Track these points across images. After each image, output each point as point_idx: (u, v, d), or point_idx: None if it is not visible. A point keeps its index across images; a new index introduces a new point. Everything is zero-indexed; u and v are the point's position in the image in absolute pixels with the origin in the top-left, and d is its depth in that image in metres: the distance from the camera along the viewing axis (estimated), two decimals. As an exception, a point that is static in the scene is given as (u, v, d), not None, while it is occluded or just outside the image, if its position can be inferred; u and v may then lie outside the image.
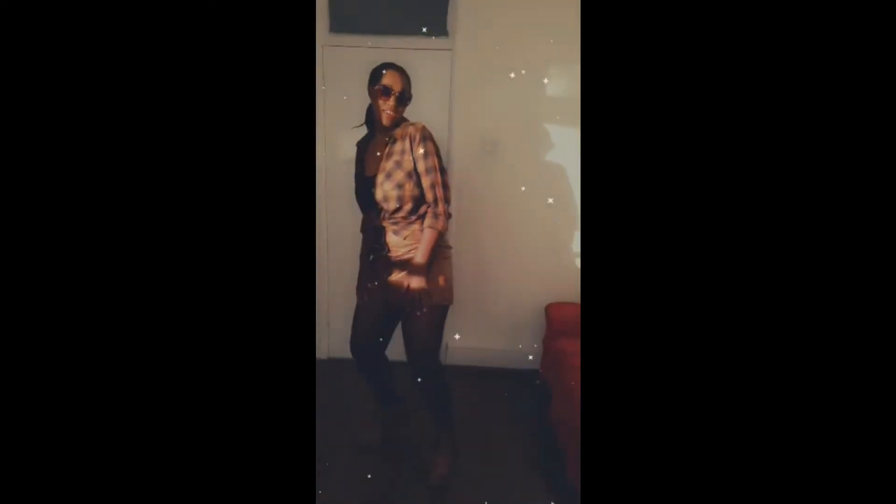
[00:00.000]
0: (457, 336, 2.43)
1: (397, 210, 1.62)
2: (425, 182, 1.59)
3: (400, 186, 1.58)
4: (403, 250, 1.66)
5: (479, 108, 2.39)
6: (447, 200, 1.62)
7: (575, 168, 2.45)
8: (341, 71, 2.38)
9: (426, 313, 1.62)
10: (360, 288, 1.80)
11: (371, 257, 1.76)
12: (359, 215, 1.81)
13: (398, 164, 1.59)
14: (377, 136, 1.68)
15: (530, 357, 2.61)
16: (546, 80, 2.36)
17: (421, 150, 1.57)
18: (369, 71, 1.64)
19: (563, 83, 2.37)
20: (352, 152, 1.85)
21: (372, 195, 1.64)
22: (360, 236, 1.85)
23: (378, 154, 1.65)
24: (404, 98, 1.61)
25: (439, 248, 1.66)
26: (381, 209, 1.64)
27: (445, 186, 1.62)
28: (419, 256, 1.59)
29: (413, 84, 1.66)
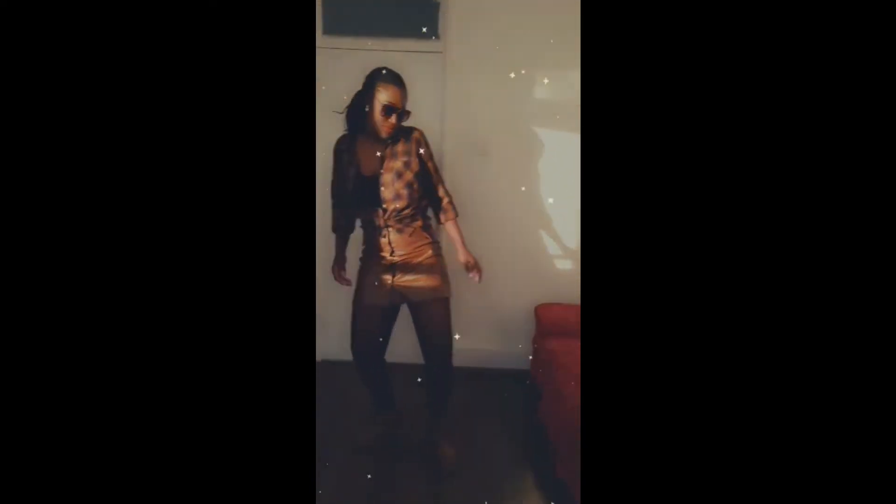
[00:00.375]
0: (457, 336, 2.48)
1: (404, 209, 1.67)
2: (435, 179, 1.77)
3: (410, 185, 1.67)
4: (409, 249, 1.72)
5: (471, 110, 2.42)
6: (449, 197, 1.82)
7: (567, 169, 2.49)
8: (334, 73, 2.39)
9: (441, 305, 1.78)
10: (361, 288, 1.80)
11: (370, 257, 1.78)
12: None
13: (407, 165, 1.66)
14: (368, 137, 1.69)
15: (530, 357, 2.64)
16: (545, 81, 2.39)
17: (425, 153, 1.71)
18: (361, 74, 1.65)
19: (554, 86, 2.40)
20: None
21: (376, 194, 1.66)
22: (348, 237, 1.87)
23: (378, 154, 1.67)
24: (403, 114, 1.64)
25: (435, 245, 1.78)
26: (387, 208, 1.66)
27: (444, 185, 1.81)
28: (460, 245, 1.83)
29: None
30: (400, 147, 1.67)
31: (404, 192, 1.65)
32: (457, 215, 1.83)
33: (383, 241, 1.71)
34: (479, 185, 2.48)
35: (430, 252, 1.75)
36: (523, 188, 2.50)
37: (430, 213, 1.83)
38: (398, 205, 1.66)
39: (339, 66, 2.37)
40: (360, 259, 1.83)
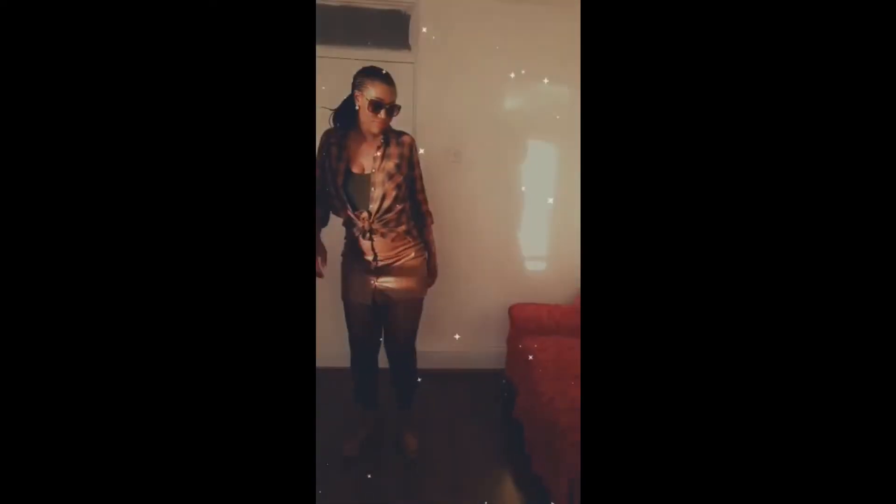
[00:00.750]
0: (457, 336, 2.59)
1: (388, 211, 1.70)
2: (419, 186, 1.82)
3: (399, 188, 1.71)
4: (392, 253, 1.77)
5: (443, 118, 2.47)
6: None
7: (545, 172, 2.57)
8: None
9: (415, 306, 1.87)
10: (347, 287, 1.85)
11: (354, 259, 1.81)
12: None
13: (398, 168, 1.70)
14: (359, 135, 1.70)
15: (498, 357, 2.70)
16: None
17: (416, 160, 1.77)
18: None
19: (523, 93, 2.48)
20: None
21: (366, 192, 1.69)
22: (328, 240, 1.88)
23: (376, 155, 1.69)
24: (393, 110, 1.64)
25: (416, 247, 1.84)
26: (374, 208, 1.69)
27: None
28: (432, 258, 1.91)
29: None
30: (393, 149, 1.71)
31: (393, 192, 1.69)
32: (433, 222, 1.90)
33: (367, 245, 1.75)
34: (452, 187, 2.53)
35: (412, 254, 1.81)
36: (523, 188, 2.58)
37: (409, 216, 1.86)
38: (384, 205, 1.69)
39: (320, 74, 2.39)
40: (342, 255, 1.87)
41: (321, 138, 1.74)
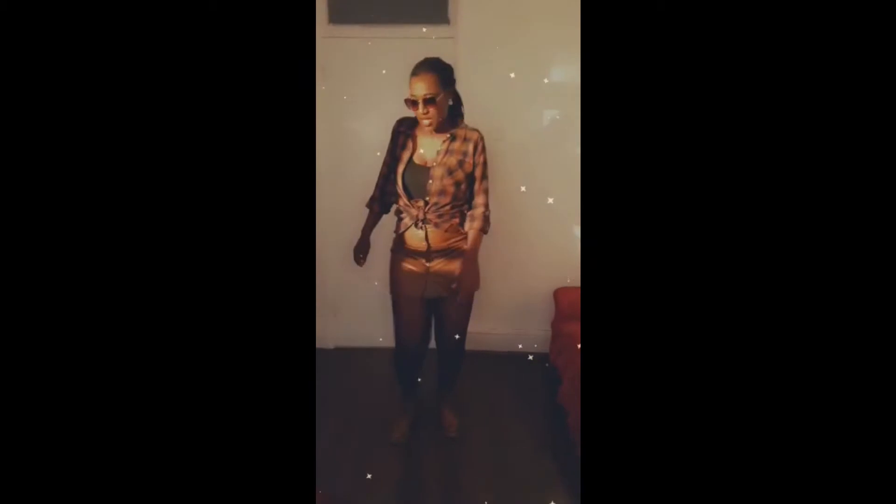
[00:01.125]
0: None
1: (445, 205, 1.68)
2: (479, 187, 1.73)
3: (458, 185, 1.68)
4: (444, 244, 1.73)
5: (483, 97, 2.38)
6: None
7: (576, 158, 2.44)
8: (341, 63, 2.37)
9: (467, 299, 1.82)
10: (397, 281, 1.81)
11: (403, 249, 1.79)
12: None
13: (460, 164, 1.67)
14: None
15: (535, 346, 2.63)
16: (545, 79, 2.34)
17: (482, 158, 1.71)
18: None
19: (566, 72, 2.35)
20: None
21: (424, 185, 1.66)
22: (373, 226, 1.86)
23: (439, 148, 1.66)
24: (430, 101, 1.58)
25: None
26: (429, 201, 1.67)
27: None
28: (470, 254, 1.74)
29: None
30: (457, 145, 1.67)
31: (451, 189, 1.66)
32: (486, 232, 1.77)
33: (420, 233, 1.72)
34: (494, 171, 2.46)
35: (464, 247, 1.76)
36: (523, 187, 2.46)
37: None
38: (442, 200, 1.67)
39: (346, 55, 2.35)
40: (392, 250, 1.82)
41: (394, 125, 1.75)
